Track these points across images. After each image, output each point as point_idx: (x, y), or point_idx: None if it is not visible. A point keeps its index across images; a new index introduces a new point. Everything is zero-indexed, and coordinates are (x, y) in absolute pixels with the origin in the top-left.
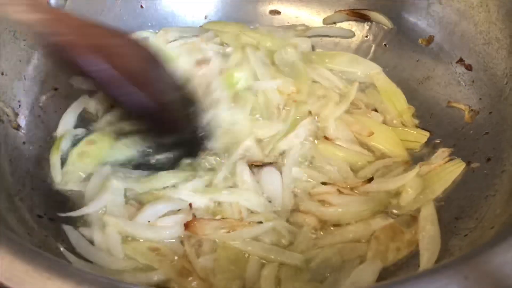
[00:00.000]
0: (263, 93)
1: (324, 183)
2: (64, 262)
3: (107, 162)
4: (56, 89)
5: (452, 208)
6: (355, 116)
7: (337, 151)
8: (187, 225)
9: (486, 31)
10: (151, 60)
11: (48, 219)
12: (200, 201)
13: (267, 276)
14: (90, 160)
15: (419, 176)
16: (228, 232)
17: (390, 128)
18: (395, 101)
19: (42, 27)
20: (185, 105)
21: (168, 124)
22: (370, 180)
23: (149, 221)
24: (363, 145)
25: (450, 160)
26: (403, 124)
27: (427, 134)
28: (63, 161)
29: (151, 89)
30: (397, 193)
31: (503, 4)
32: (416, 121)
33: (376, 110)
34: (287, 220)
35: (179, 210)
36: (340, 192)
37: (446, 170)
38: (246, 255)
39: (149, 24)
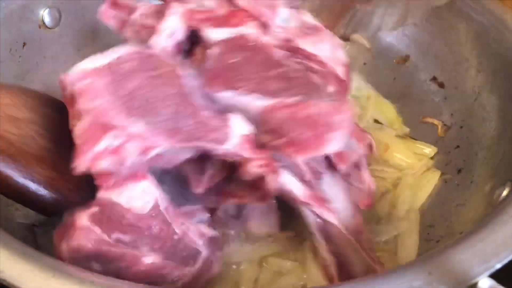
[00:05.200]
0: None
1: None
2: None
3: None
4: None
5: (426, 217)
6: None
7: None
8: None
9: (457, 51)
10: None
11: (42, 229)
12: None
13: None
14: None
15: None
16: None
17: (402, 140)
18: (385, 110)
19: None
20: None
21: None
22: None
23: None
24: (384, 161)
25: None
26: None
27: (435, 149)
28: None
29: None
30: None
31: (471, 27)
32: (407, 129)
33: (377, 121)
34: None
35: None
36: None
37: (425, 179)
38: None
39: None
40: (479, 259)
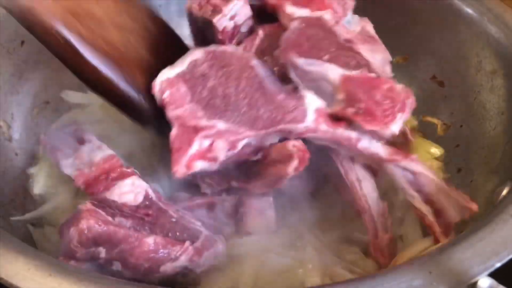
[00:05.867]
0: None
1: None
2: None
3: None
4: (47, 102)
5: None
6: None
7: None
8: None
9: (457, 50)
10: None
11: (38, 228)
12: None
13: None
14: None
15: None
16: None
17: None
18: None
19: None
20: None
21: None
22: None
23: None
24: None
25: None
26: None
27: (442, 150)
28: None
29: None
30: None
31: (471, 26)
32: (415, 122)
33: None
34: None
35: None
36: None
37: None
38: None
39: None
40: (479, 259)
